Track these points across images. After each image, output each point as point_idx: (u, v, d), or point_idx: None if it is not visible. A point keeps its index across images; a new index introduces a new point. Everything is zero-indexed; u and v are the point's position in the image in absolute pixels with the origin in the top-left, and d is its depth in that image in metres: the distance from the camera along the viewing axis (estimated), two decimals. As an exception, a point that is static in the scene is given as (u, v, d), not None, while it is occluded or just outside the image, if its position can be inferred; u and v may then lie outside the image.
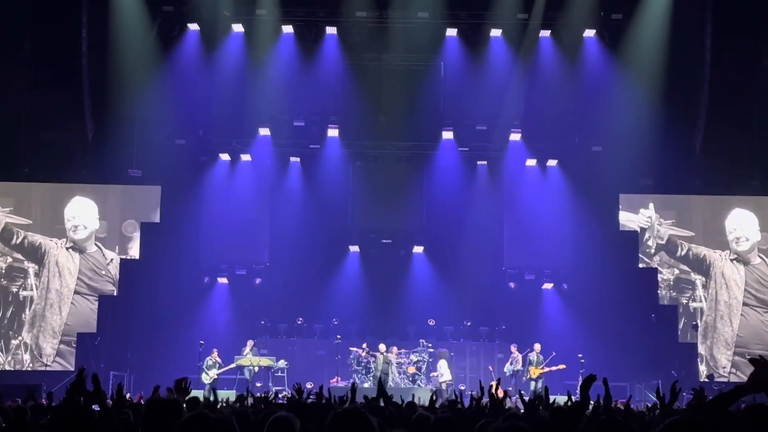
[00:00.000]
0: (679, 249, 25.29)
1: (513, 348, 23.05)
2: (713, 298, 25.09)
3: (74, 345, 24.20)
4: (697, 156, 25.33)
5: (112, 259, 24.92)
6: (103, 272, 24.85)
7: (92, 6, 24.23)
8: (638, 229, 25.39)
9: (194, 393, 15.51)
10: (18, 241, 24.77)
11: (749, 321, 24.92)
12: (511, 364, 22.77)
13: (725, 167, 25.10)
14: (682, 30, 24.17)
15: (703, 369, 24.45)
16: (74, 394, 5.39)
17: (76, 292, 24.63)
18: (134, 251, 25.08)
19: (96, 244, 24.99)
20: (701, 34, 24.24)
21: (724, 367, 24.41)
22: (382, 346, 22.47)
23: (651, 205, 25.44)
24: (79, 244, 24.91)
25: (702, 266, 25.24)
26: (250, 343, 23.11)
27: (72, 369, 23.04)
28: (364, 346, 22.80)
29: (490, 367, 23.45)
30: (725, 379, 23.70)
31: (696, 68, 24.65)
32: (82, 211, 25.03)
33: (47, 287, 24.63)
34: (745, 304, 25.01)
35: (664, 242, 25.36)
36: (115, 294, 24.68)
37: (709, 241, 25.53)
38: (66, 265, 24.74)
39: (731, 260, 25.17)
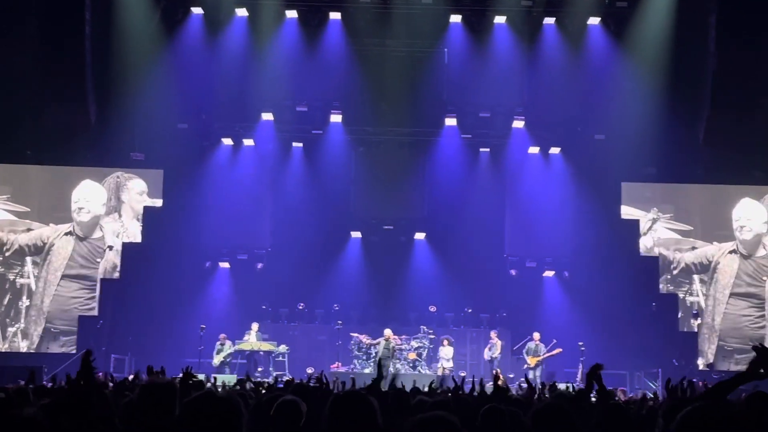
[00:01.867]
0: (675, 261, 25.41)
1: (493, 334, 23.13)
2: (708, 291, 25.23)
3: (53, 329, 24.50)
4: (700, 145, 25.28)
5: (111, 246, 25.03)
6: (98, 260, 24.99)
7: (96, -11, 24.19)
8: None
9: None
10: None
11: (731, 314, 24.99)
12: (489, 350, 22.83)
13: (728, 157, 25.04)
14: (687, 19, 24.07)
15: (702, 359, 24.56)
16: (84, 376, 5.40)
17: (64, 277, 24.79)
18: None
19: (102, 229, 25.11)
20: (706, 23, 24.15)
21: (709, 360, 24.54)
22: (387, 331, 22.38)
23: (654, 209, 25.53)
24: (83, 228, 25.01)
25: (707, 268, 25.34)
26: (255, 325, 23.12)
27: (74, 352, 23.16)
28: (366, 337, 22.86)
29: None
30: (725, 369, 23.72)
31: (700, 57, 24.57)
32: (89, 195, 25.20)
33: (38, 275, 24.82)
34: (732, 295, 25.05)
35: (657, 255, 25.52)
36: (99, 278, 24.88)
37: (708, 235, 25.54)
38: (58, 251, 24.86)
39: (730, 251, 25.20)
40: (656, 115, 24.27)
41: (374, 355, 22.33)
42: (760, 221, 25.32)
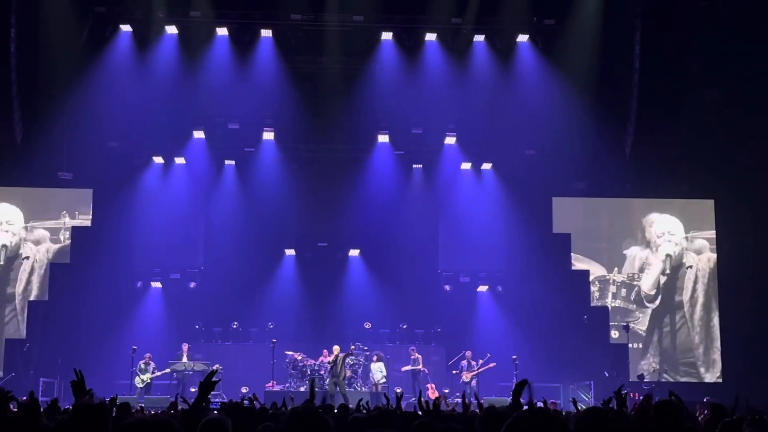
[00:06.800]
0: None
1: (411, 349, 23.30)
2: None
3: None
4: (627, 160, 25.75)
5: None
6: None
7: (22, 6, 23.66)
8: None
9: (127, 398, 15.31)
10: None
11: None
12: (412, 365, 22.97)
13: (655, 171, 25.59)
14: (613, 36, 24.55)
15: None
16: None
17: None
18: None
19: None
20: (631, 40, 24.65)
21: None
22: (336, 348, 22.05)
23: None
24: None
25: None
26: (185, 346, 22.84)
27: (1, 375, 22.66)
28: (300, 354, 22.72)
29: (425, 369, 23.44)
30: (655, 380, 24.15)
31: (626, 73, 25.04)
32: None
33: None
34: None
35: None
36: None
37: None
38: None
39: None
40: (585, 130, 24.65)
41: (309, 373, 22.22)
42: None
